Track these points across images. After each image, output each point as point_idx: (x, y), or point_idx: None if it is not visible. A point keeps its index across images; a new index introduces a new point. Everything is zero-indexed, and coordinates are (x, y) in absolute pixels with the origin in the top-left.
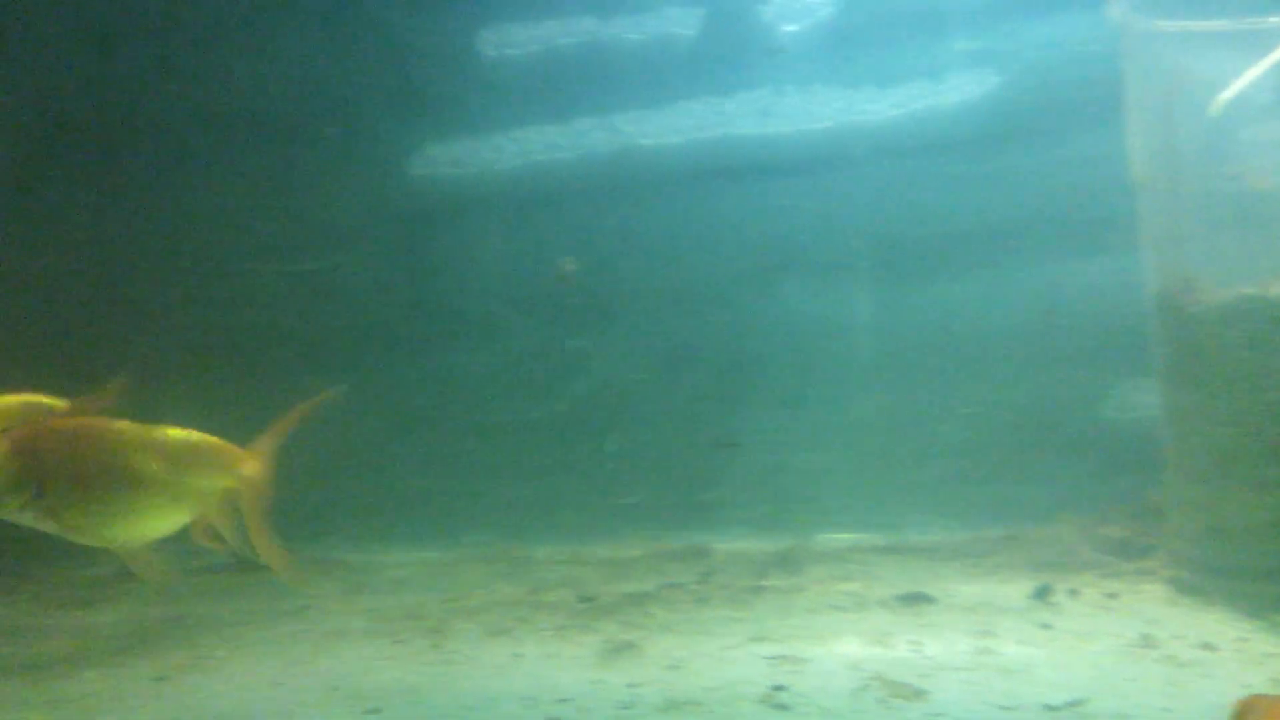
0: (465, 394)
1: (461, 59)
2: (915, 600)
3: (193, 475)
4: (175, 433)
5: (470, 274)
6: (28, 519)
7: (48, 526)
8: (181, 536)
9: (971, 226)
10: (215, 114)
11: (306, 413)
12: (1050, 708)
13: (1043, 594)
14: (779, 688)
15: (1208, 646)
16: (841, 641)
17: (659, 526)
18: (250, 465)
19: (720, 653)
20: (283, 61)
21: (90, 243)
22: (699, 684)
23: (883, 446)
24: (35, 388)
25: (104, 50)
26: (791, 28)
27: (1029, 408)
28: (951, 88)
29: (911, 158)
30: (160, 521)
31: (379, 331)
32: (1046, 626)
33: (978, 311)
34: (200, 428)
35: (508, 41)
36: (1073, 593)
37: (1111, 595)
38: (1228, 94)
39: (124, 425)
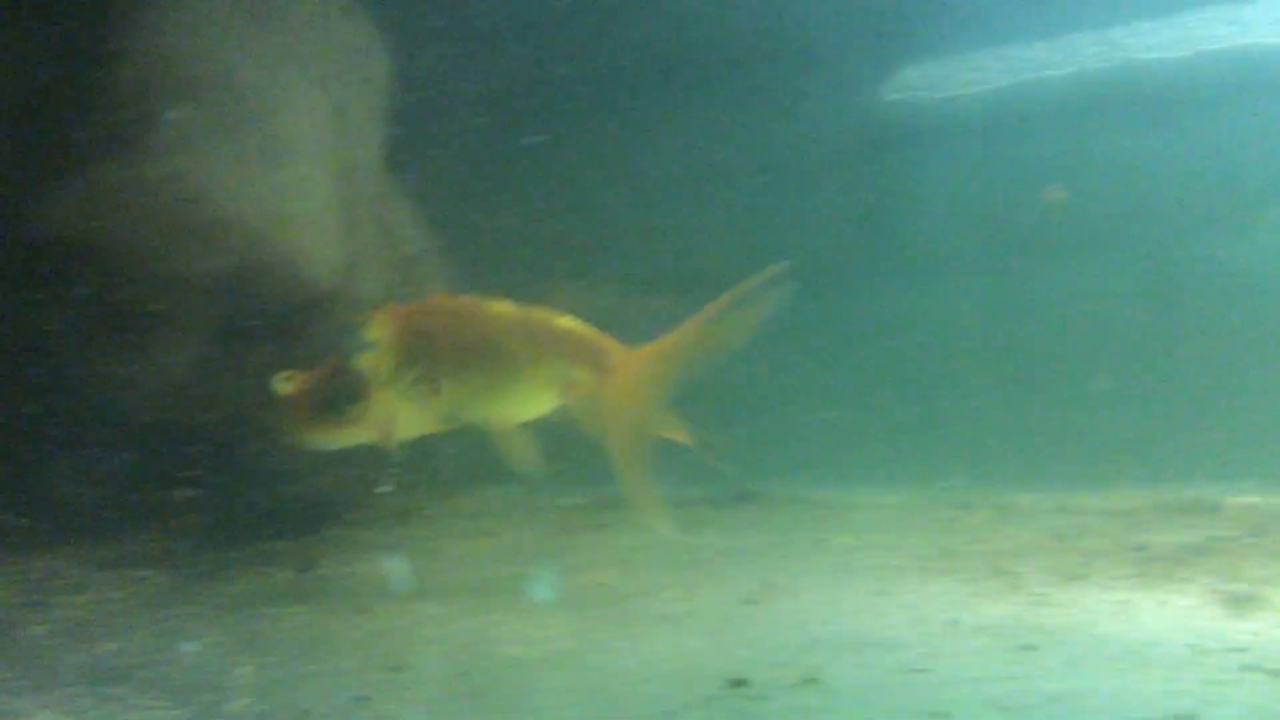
0: (931, 332)
1: None
2: None
3: (566, 364)
4: (555, 318)
5: (946, 205)
6: (409, 393)
7: (425, 402)
8: None
9: None
10: (669, 47)
11: (715, 329)
12: None
13: None
14: None
15: None
16: None
17: (1151, 475)
18: (626, 367)
19: None
20: None
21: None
22: None
23: None
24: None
25: None
26: None
27: None
28: None
29: None
30: (529, 406)
31: (847, 264)
32: None
33: None
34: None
35: None
36: None
37: None
38: None
39: (504, 305)
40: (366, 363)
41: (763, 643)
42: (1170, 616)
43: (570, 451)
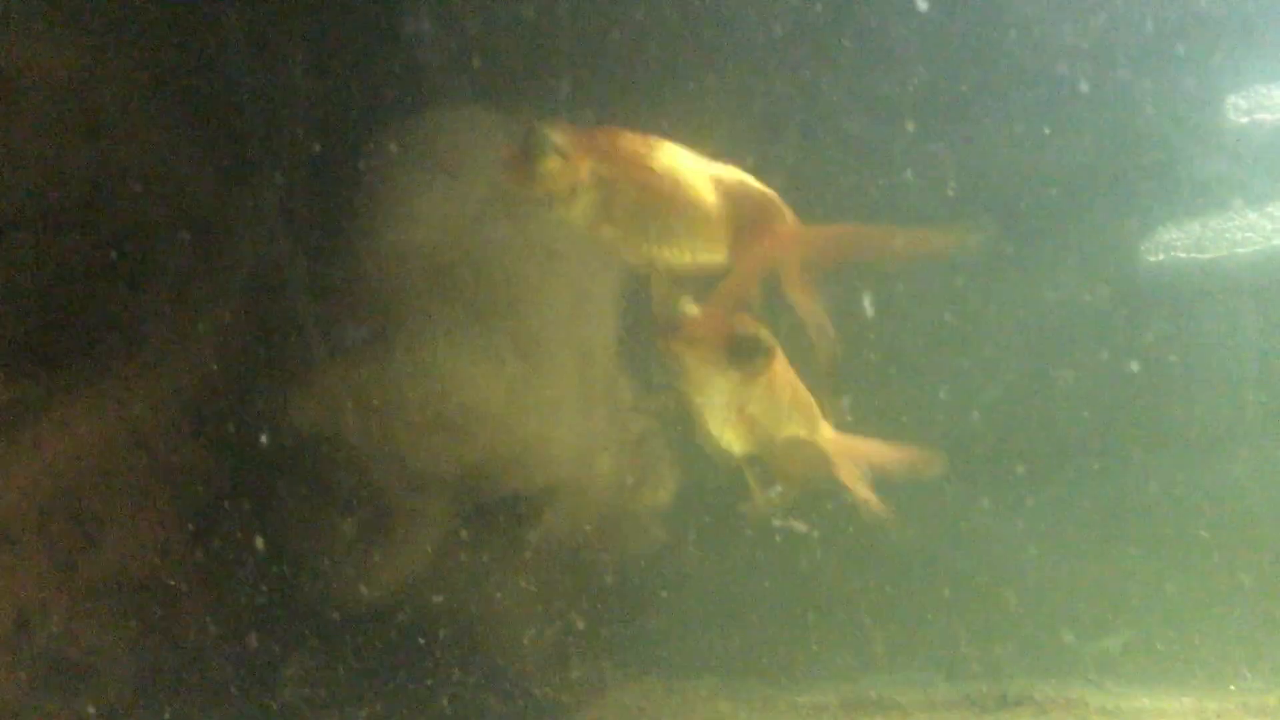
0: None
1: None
2: None
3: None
4: (730, 171)
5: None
6: (580, 216)
7: (593, 228)
8: None
9: None
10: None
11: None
12: None
13: None
14: None
15: None
16: None
17: None
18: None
19: None
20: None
21: None
22: None
23: None
24: None
25: None
26: None
27: None
28: None
29: None
30: (696, 254)
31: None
32: None
33: None
34: None
35: (1258, 107)
36: None
37: None
38: None
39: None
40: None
41: None
42: None
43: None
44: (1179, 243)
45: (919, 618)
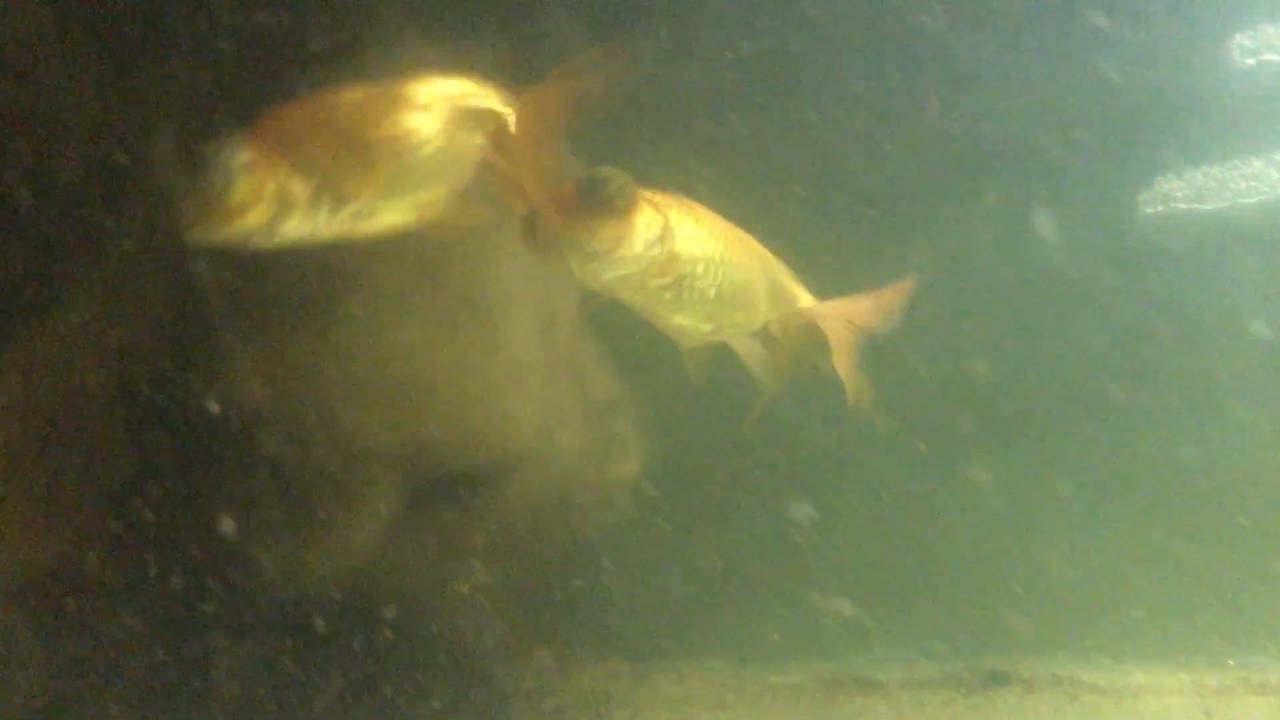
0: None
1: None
2: None
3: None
4: (429, 81)
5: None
6: (314, 231)
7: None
8: None
9: None
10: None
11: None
12: None
13: None
14: None
15: None
16: None
17: None
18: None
19: None
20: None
21: None
22: None
23: None
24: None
25: None
26: None
27: None
28: None
29: None
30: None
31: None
32: None
33: None
34: None
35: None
36: None
37: None
38: None
39: (367, 89)
40: None
41: None
42: None
43: None
44: (1179, 193)
45: (898, 594)
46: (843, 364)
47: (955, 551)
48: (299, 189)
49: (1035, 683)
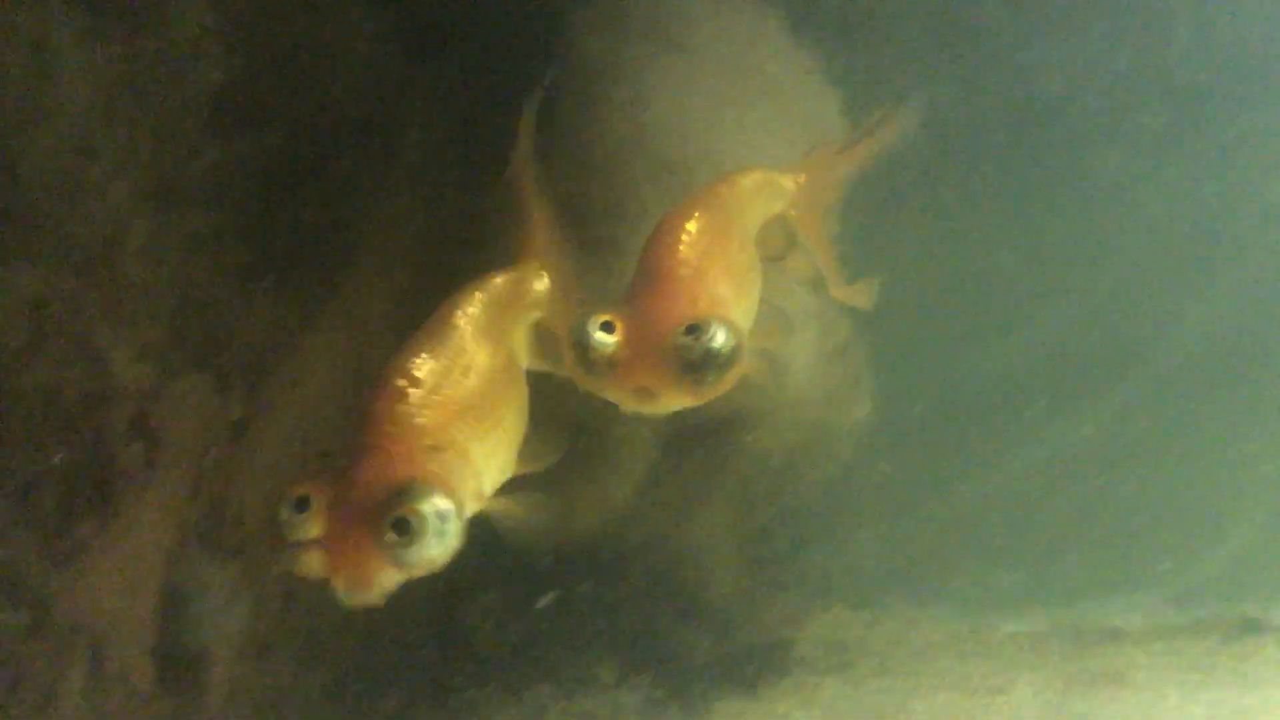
0: None
1: None
2: None
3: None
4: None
5: None
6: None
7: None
8: None
9: None
10: None
11: None
12: None
13: None
14: None
15: None
16: None
17: None
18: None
19: None
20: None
21: None
22: None
23: None
24: None
25: None
26: None
27: None
28: None
29: None
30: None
31: None
32: None
33: None
34: None
35: None
36: None
37: None
38: None
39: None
40: None
41: None
42: None
43: None
44: None
45: (1126, 540)
46: (821, 251)
47: (1183, 495)
48: None
49: None
